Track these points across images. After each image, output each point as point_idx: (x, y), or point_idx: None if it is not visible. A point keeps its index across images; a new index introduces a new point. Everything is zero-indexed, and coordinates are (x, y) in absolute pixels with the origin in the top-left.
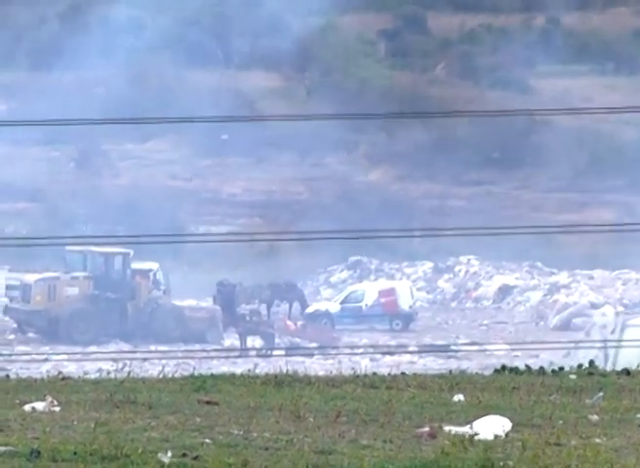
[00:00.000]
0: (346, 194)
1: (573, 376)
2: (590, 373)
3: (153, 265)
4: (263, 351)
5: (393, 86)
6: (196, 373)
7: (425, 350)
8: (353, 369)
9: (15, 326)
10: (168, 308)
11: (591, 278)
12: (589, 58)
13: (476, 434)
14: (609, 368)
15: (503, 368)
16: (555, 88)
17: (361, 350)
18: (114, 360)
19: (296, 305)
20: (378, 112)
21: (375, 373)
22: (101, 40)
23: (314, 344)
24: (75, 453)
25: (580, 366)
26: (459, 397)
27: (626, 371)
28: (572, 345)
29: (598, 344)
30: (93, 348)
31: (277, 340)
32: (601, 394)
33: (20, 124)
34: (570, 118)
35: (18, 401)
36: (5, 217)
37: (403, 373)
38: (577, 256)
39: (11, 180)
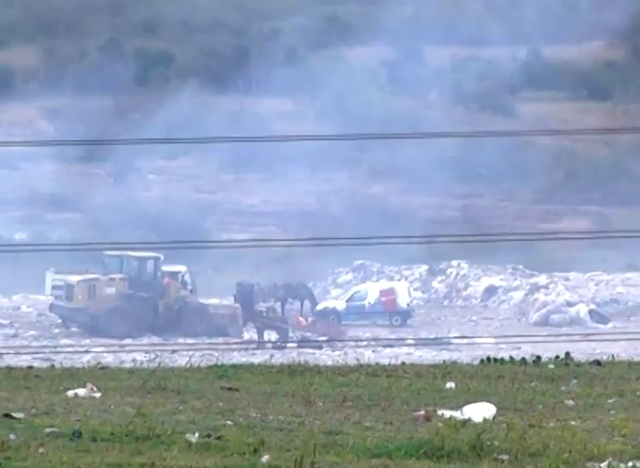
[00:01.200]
0: (352, 205)
1: (551, 366)
2: (566, 364)
3: (181, 268)
4: (278, 344)
5: (393, 109)
6: (219, 363)
7: (421, 343)
8: (357, 359)
9: (59, 321)
10: (194, 306)
11: (567, 279)
12: (566, 85)
13: (467, 418)
14: None
15: (489, 358)
16: (536, 112)
17: (364, 343)
18: (147, 351)
19: (306, 303)
20: (380, 133)
21: (376, 363)
22: (135, 69)
23: (323, 338)
24: (112, 434)
25: (557, 357)
26: (450, 384)
27: (597, 362)
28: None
29: None
30: (128, 341)
31: (290, 334)
32: (575, 382)
33: (65, 143)
34: (549, 138)
35: (62, 387)
36: (51, 226)
37: (402, 363)
38: (554, 260)
39: (57, 193)
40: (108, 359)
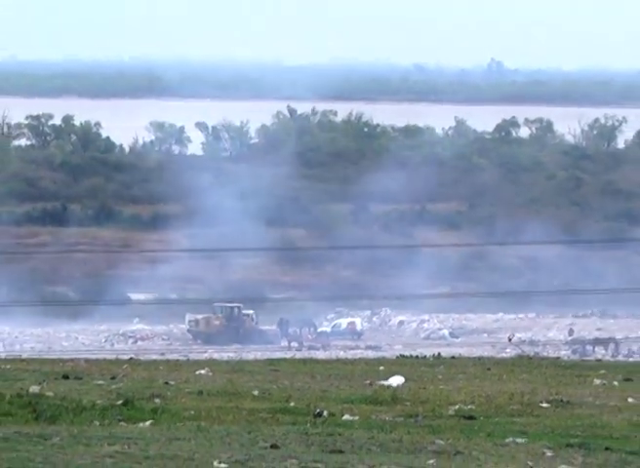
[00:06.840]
0: (333, 282)
1: (431, 359)
2: (438, 358)
3: (251, 311)
4: (298, 348)
5: (355, 236)
6: (270, 358)
7: (368, 348)
8: (337, 356)
9: (191, 337)
10: (257, 330)
11: (438, 317)
12: (437, 221)
13: (390, 384)
14: None
15: (402, 355)
16: (421, 236)
17: (340, 348)
18: (235, 352)
19: (312, 329)
20: (347, 245)
21: (346, 358)
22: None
23: (320, 345)
24: (217, 392)
25: (433, 355)
26: (382, 368)
27: (453, 357)
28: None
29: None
30: (225, 347)
31: (304, 344)
32: (442, 367)
33: (199, 250)
34: (434, 249)
35: (193, 370)
36: (188, 291)
37: (359, 358)
38: (430, 307)
39: (189, 275)
40: (215, 356)
